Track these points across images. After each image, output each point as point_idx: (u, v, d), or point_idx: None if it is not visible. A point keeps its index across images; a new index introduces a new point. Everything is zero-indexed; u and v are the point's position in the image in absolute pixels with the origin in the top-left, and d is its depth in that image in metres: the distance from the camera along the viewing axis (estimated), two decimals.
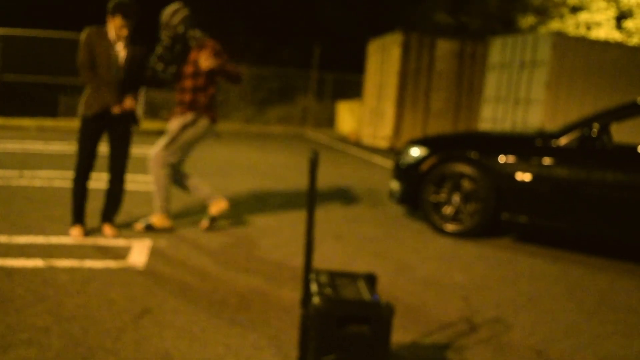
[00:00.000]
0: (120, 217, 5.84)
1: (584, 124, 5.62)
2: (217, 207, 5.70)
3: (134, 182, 7.59)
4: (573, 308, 4.27)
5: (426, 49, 15.56)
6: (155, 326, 3.41)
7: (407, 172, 6.53)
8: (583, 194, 5.48)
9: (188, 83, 5.43)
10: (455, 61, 15.85)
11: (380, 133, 16.09)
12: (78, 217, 5.15)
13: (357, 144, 16.93)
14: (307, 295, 2.69)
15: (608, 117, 5.59)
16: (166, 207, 5.56)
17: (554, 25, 21.75)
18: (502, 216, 5.89)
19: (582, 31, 21.32)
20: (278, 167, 10.72)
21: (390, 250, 5.48)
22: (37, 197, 6.60)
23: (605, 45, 13.28)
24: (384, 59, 16.19)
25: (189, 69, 5.41)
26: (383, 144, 15.83)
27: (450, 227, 6.15)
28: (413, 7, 25.01)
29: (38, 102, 16.64)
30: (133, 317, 3.51)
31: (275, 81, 23.03)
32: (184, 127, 5.46)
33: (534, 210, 5.72)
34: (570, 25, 21.67)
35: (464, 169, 6.08)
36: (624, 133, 7.99)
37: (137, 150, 10.70)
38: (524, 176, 5.73)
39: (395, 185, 6.72)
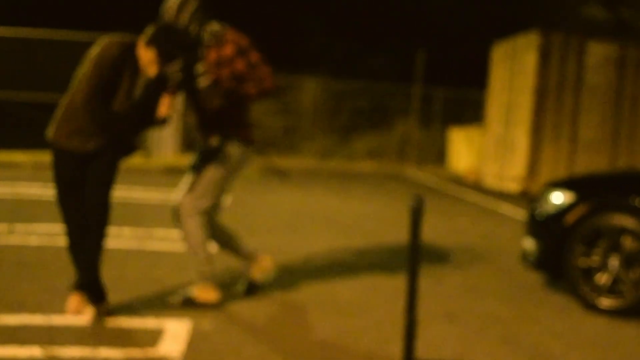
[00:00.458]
0: (147, 286, 5.96)
1: None
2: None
3: (166, 239, 7.75)
4: None
5: (573, 55, 15.47)
6: None
7: (546, 227, 6.52)
8: None
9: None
10: (614, 72, 15.65)
11: (510, 172, 16.00)
12: (95, 293, 5.14)
13: (477, 186, 16.88)
14: None
15: None
16: (209, 272, 5.55)
17: None
18: None
19: None
20: (367, 219, 10.81)
21: (523, 335, 5.46)
22: (32, 260, 6.74)
23: None
24: (514, 69, 16.18)
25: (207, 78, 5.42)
26: (513, 187, 15.72)
27: (606, 302, 6.08)
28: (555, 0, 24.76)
29: (34, 129, 16.54)
30: None
31: (364, 99, 23.05)
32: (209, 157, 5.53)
33: None
34: None
35: (626, 221, 6.03)
36: None
37: (160, 195, 10.96)
38: None
39: (529, 244, 6.72)
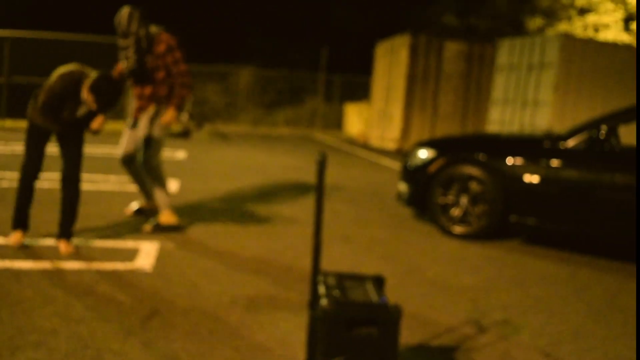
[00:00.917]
0: (127, 218, 5.89)
1: (592, 126, 5.59)
2: (168, 220, 5.54)
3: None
4: (581, 310, 4.24)
5: (434, 51, 15.53)
6: (164, 328, 3.40)
7: (415, 174, 6.50)
8: (591, 196, 5.44)
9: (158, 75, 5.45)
10: (464, 63, 15.81)
11: (388, 135, 16.06)
12: (19, 221, 4.77)
13: (365, 146, 16.91)
14: (315, 298, 2.67)
15: (616, 119, 5.55)
16: (169, 202, 5.59)
17: (562, 27, 21.67)
18: (510, 218, 5.86)
19: (590, 33, 21.23)
20: (286, 169, 10.72)
21: (398, 253, 5.45)
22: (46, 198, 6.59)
23: (613, 47, 13.22)
24: (392, 61, 16.16)
25: (154, 63, 5.41)
26: (391, 146, 15.81)
27: (458, 229, 6.12)
28: (422, 9, 24.99)
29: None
30: (141, 319, 3.51)
31: (284, 83, 23.09)
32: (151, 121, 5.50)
33: (541, 212, 5.69)
34: (578, 27, 21.59)
35: (472, 171, 6.04)
36: (632, 135, 7.93)
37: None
38: (532, 178, 5.70)
39: (403, 187, 6.70)
